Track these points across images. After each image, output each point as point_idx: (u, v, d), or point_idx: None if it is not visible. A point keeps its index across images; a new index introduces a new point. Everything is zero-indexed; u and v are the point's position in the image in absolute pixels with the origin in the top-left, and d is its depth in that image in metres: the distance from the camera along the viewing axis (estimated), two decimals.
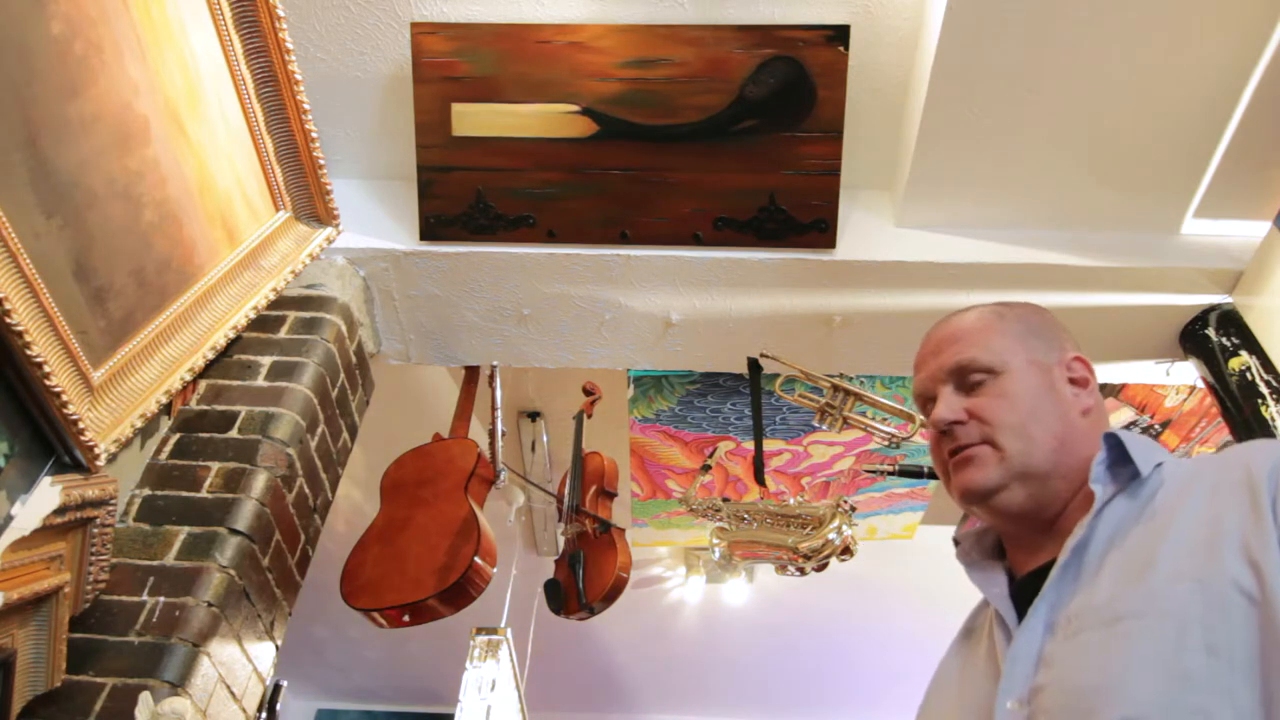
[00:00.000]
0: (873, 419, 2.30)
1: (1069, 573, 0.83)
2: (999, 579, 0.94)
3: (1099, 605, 0.77)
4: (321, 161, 2.05)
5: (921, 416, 1.99)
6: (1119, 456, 0.88)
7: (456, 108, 2.25)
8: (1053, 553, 0.88)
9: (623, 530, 2.61)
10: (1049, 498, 0.92)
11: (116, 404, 1.66)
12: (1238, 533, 0.73)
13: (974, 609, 1.03)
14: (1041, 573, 0.87)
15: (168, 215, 1.74)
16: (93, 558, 1.58)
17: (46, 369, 1.44)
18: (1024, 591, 0.89)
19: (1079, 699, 0.73)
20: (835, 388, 2.20)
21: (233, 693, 1.79)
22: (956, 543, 1.02)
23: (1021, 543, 0.95)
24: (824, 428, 2.31)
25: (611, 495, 2.83)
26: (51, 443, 1.53)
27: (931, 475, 2.07)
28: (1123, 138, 2.18)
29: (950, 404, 0.98)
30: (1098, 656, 0.74)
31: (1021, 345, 0.99)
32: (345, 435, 2.35)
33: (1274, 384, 2.08)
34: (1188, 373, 2.47)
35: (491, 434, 2.61)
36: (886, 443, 2.24)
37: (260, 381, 2.09)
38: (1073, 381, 0.99)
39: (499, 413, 2.65)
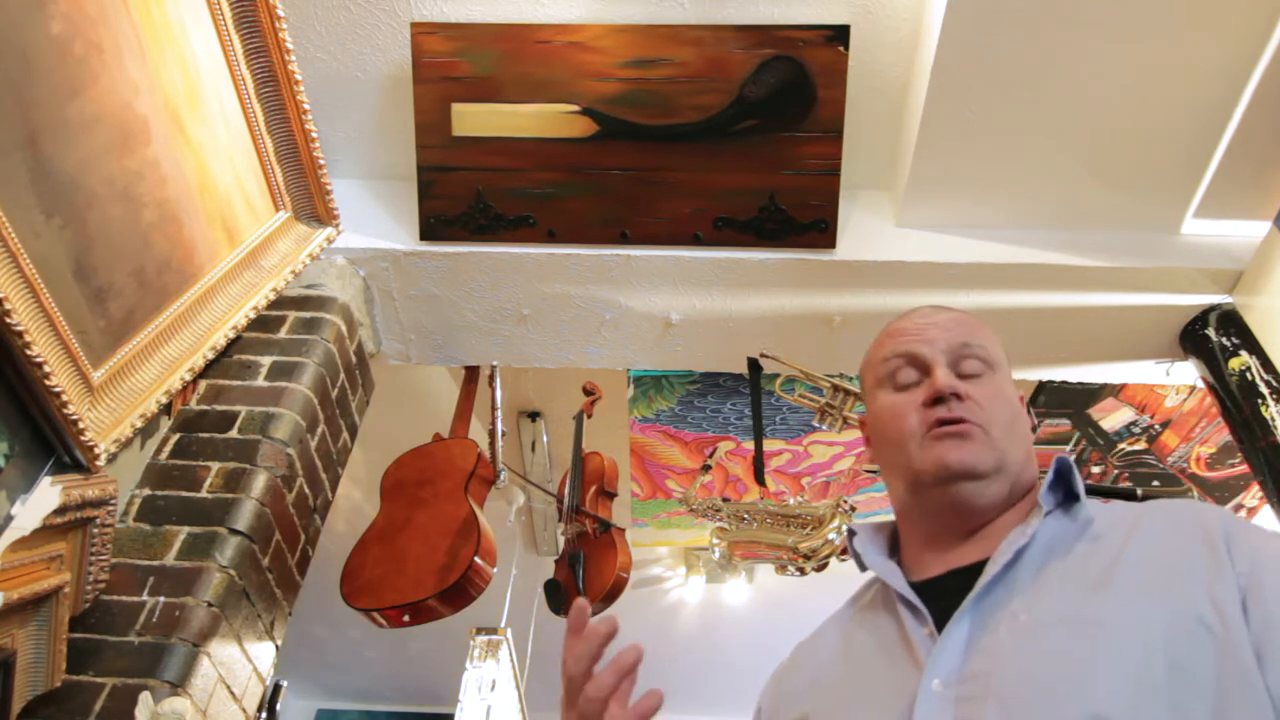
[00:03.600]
0: None
1: (1006, 573, 0.85)
2: (898, 574, 0.94)
3: (1055, 608, 0.80)
4: (321, 161, 2.05)
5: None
6: (1060, 480, 0.91)
7: (456, 108, 2.25)
8: (973, 556, 0.90)
9: (623, 530, 2.61)
10: (1001, 502, 0.93)
11: (116, 404, 1.66)
12: (1201, 574, 0.78)
13: (856, 593, 1.05)
14: (961, 574, 0.88)
15: (168, 215, 1.74)
16: (93, 558, 1.58)
17: (46, 369, 1.44)
18: (936, 588, 0.90)
19: (1038, 689, 0.75)
20: (835, 388, 2.20)
21: (233, 693, 1.79)
22: (852, 533, 1.01)
23: (937, 543, 0.95)
24: (824, 428, 2.31)
25: (611, 495, 2.83)
26: (51, 443, 1.53)
27: None
28: (1123, 138, 2.18)
29: (949, 376, 0.95)
30: (1064, 653, 0.76)
31: (1002, 355, 1.01)
32: (345, 435, 2.35)
33: (1274, 384, 2.08)
34: (1188, 373, 2.47)
35: (491, 434, 2.61)
36: None
37: (260, 381, 2.09)
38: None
39: (499, 413, 2.65)
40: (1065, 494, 0.91)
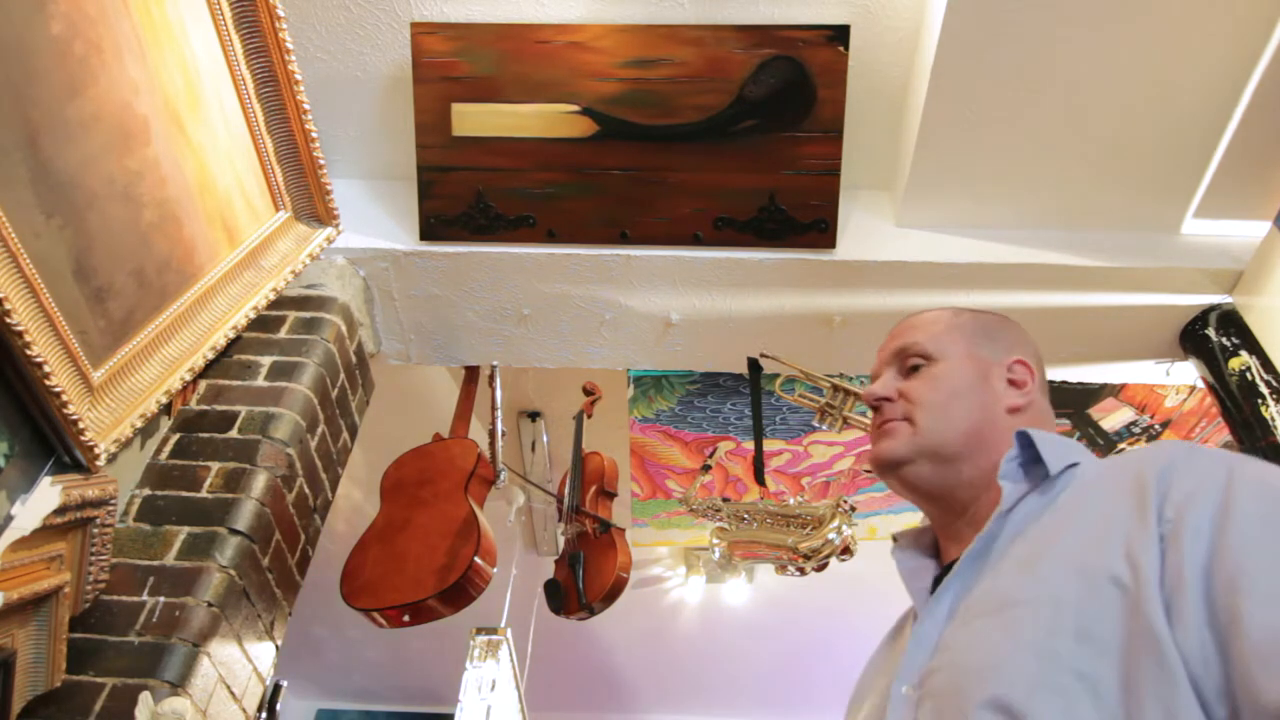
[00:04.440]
0: None
1: (975, 563, 0.86)
2: (927, 575, 0.97)
3: (991, 592, 0.81)
4: (321, 161, 2.05)
5: None
6: (1033, 455, 0.90)
7: (456, 108, 2.25)
8: (967, 543, 0.91)
9: (623, 530, 2.61)
10: (957, 482, 0.96)
11: (116, 404, 1.66)
12: (1122, 531, 0.76)
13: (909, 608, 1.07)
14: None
15: (168, 215, 1.74)
16: (93, 558, 1.58)
17: (46, 369, 1.44)
18: (941, 581, 0.92)
19: (962, 679, 0.75)
20: (835, 388, 2.20)
21: (233, 693, 1.79)
22: (895, 539, 1.06)
23: (948, 531, 0.99)
24: (824, 428, 2.31)
25: (611, 495, 2.83)
26: (51, 443, 1.53)
27: None
28: (1123, 138, 2.18)
29: (884, 382, 1.06)
30: (984, 641, 0.76)
31: (965, 340, 1.05)
32: (345, 435, 2.35)
33: (1274, 384, 2.08)
34: (1188, 373, 2.47)
35: (491, 434, 2.61)
36: None
37: (260, 381, 2.09)
38: (1011, 383, 1.03)
39: (499, 413, 2.65)
40: (1041, 466, 0.90)
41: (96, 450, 1.58)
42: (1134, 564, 0.72)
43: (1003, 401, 1.00)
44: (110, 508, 1.58)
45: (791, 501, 2.37)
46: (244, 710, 1.84)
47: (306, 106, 1.96)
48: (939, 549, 1.02)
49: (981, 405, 0.99)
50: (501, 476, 2.52)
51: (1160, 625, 0.68)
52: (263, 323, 2.16)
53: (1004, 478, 0.88)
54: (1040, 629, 0.72)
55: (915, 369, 1.05)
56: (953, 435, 0.97)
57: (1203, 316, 2.33)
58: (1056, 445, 0.91)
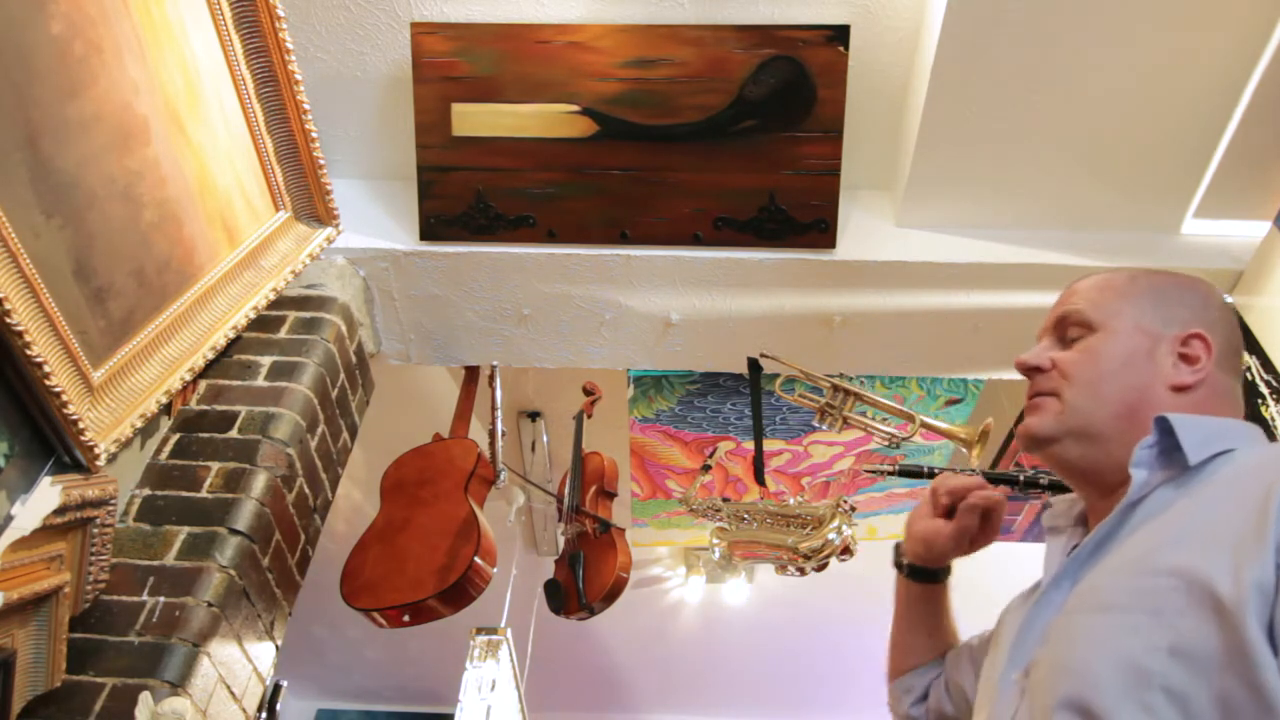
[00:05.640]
0: (873, 419, 2.30)
1: (1093, 554, 0.83)
2: (1069, 543, 0.94)
3: (1097, 590, 0.78)
4: (321, 161, 2.05)
5: (922, 417, 1.98)
6: (1175, 442, 0.84)
7: (456, 108, 2.25)
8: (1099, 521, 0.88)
9: (623, 530, 2.61)
10: (1106, 464, 0.90)
11: (116, 404, 1.66)
12: (1238, 547, 0.72)
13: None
14: None
15: (168, 215, 1.73)
16: (93, 558, 1.58)
17: (46, 369, 1.44)
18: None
19: (1052, 678, 0.74)
20: (835, 388, 2.20)
21: (233, 693, 1.79)
22: (1047, 505, 1.02)
23: (1095, 509, 0.94)
24: (824, 428, 2.31)
25: (611, 495, 2.83)
26: (51, 443, 1.53)
27: (931, 475, 2.06)
28: (1123, 138, 2.18)
29: (1039, 350, 1.00)
30: (1080, 640, 0.75)
31: (1134, 309, 0.97)
32: (345, 435, 2.35)
33: (1274, 384, 2.08)
34: None
35: (491, 434, 2.61)
36: (886, 443, 2.24)
37: (260, 381, 2.09)
38: (1183, 357, 0.93)
39: (499, 413, 2.65)
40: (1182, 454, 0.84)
41: (96, 450, 1.58)
42: (1241, 586, 0.68)
43: (1166, 378, 0.92)
44: (110, 508, 1.58)
45: (791, 501, 2.37)
46: (244, 710, 1.84)
47: (306, 106, 1.96)
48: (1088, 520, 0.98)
49: (1138, 384, 0.92)
50: (501, 476, 2.52)
51: (1262, 654, 0.65)
52: (263, 323, 2.16)
53: (1136, 466, 0.83)
54: (1136, 640, 0.70)
55: (1074, 339, 0.98)
56: (1102, 416, 0.91)
57: None
58: (1202, 431, 0.84)
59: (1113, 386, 0.92)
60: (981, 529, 1.12)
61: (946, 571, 1.21)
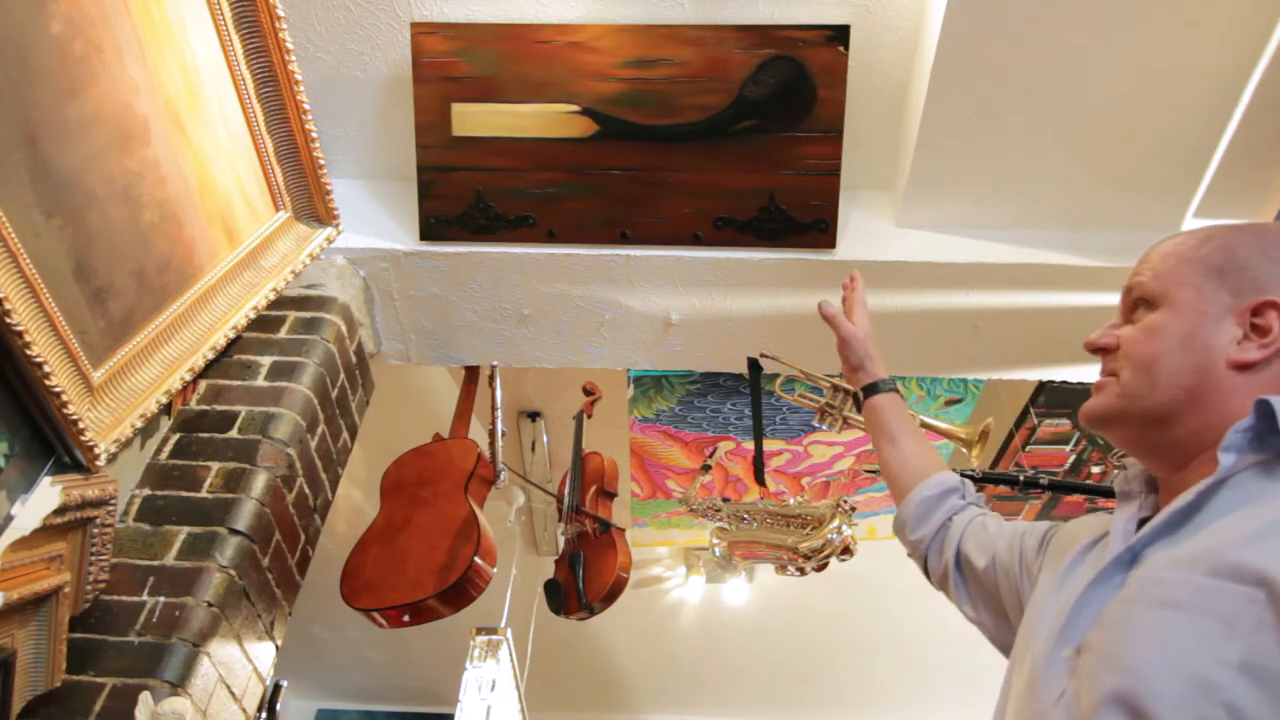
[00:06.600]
0: None
1: (1164, 534, 0.78)
2: (1140, 511, 0.90)
3: (1163, 580, 0.73)
4: (321, 161, 2.05)
5: (922, 417, 1.98)
6: (1273, 426, 0.76)
7: (456, 108, 2.25)
8: (1166, 502, 0.84)
9: (623, 530, 2.61)
10: (1169, 444, 0.86)
11: (116, 404, 1.66)
12: None
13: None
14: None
15: (168, 215, 1.73)
16: (93, 558, 1.58)
17: (46, 369, 1.44)
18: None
19: (1102, 671, 0.70)
20: (835, 388, 2.20)
21: (233, 693, 1.79)
22: (1121, 468, 0.97)
23: (1165, 484, 0.90)
24: (824, 428, 2.31)
25: (611, 495, 2.83)
26: (51, 443, 1.53)
27: None
28: (1123, 137, 2.18)
29: (1105, 329, 0.96)
30: (1139, 635, 0.70)
31: (1199, 279, 0.89)
32: (345, 435, 2.35)
33: None
34: None
35: (491, 434, 2.61)
36: None
37: (260, 381, 2.09)
38: (1254, 329, 0.85)
39: (499, 413, 2.65)
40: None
41: (96, 450, 1.58)
42: None
43: (1226, 356, 0.84)
44: (110, 508, 1.58)
45: (791, 501, 2.38)
46: (244, 710, 1.84)
47: (306, 106, 1.96)
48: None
49: (1196, 366, 0.85)
50: (501, 476, 2.52)
51: None
52: (263, 323, 2.16)
53: (1226, 449, 0.77)
54: (1203, 647, 0.66)
55: (1137, 317, 0.93)
56: (1157, 399, 0.86)
57: None
58: None
59: (1168, 369, 0.86)
60: (847, 314, 1.52)
61: (878, 388, 1.46)
